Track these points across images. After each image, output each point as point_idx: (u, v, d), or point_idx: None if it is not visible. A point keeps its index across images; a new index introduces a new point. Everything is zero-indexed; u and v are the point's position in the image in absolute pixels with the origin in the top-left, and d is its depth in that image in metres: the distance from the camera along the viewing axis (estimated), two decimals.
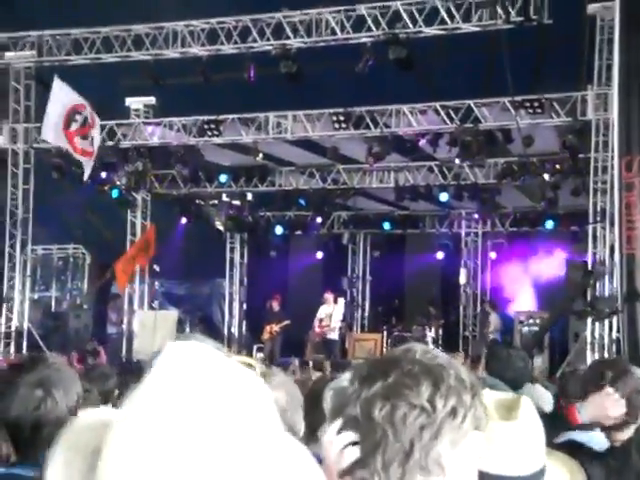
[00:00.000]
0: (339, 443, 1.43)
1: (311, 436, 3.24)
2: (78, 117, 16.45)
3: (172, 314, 20.68)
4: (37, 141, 18.54)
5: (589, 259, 15.46)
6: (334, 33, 16.20)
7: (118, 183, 20.03)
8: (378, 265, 24.84)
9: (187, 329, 20.11)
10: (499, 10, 14.77)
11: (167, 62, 17.47)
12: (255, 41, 16.63)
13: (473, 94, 16.46)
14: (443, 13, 15.34)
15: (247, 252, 24.85)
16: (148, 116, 19.43)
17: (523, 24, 14.59)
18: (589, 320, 14.81)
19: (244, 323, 24.33)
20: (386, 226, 23.49)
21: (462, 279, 23.37)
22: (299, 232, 23.67)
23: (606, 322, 14.46)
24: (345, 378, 2.72)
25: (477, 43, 15.94)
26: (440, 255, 24.21)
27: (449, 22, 15.33)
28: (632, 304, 12.95)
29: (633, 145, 13.02)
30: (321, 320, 19.65)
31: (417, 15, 15.54)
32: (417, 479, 1.39)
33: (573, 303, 15.54)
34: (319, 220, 22.77)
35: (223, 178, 20.57)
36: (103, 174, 19.42)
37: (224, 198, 22.25)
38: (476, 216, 22.46)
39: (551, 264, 21.36)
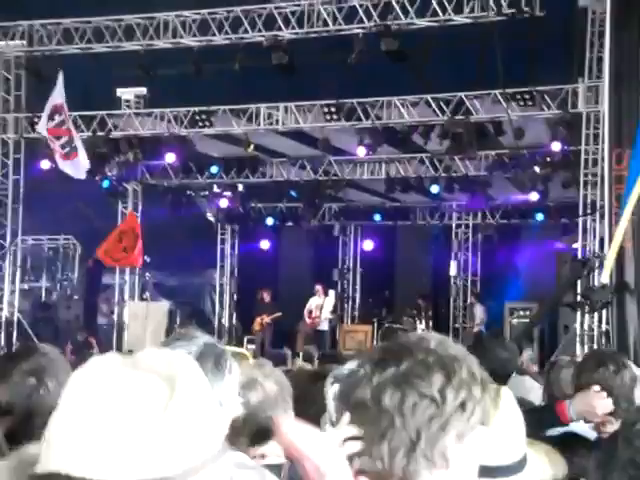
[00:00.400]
0: (343, 432, 1.42)
1: None
2: (57, 117, 16.35)
3: (163, 305, 20.68)
4: (27, 131, 18.48)
5: (579, 251, 15.50)
6: (326, 24, 16.18)
7: (109, 174, 19.99)
8: (369, 257, 24.86)
9: (178, 320, 20.12)
10: (491, 2, 14.78)
11: (158, 52, 17.42)
12: (247, 32, 16.60)
13: (464, 86, 16.46)
14: (435, 5, 15.33)
15: (238, 243, 24.84)
16: (139, 106, 19.38)
17: (515, 16, 14.60)
18: (579, 312, 14.86)
19: (235, 314, 24.33)
20: (377, 218, 23.52)
21: (452, 271, 23.41)
22: (290, 223, 23.67)
23: (595, 314, 14.51)
24: (347, 367, 2.74)
25: (469, 35, 15.94)
26: (431, 247, 24.25)
27: (441, 14, 15.32)
28: (621, 296, 12.98)
29: (624, 138, 13.03)
30: (311, 311, 19.68)
31: (409, 7, 15.53)
32: (421, 470, 1.39)
33: (563, 295, 15.59)
34: (310, 211, 22.76)
35: (214, 169, 20.54)
36: (94, 165, 19.36)
37: (215, 189, 22.23)
38: (467, 208, 22.48)
39: (541, 256, 21.41)
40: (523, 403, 2.47)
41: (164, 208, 22.36)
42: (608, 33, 13.29)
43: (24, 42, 18.08)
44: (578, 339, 14.83)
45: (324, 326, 19.81)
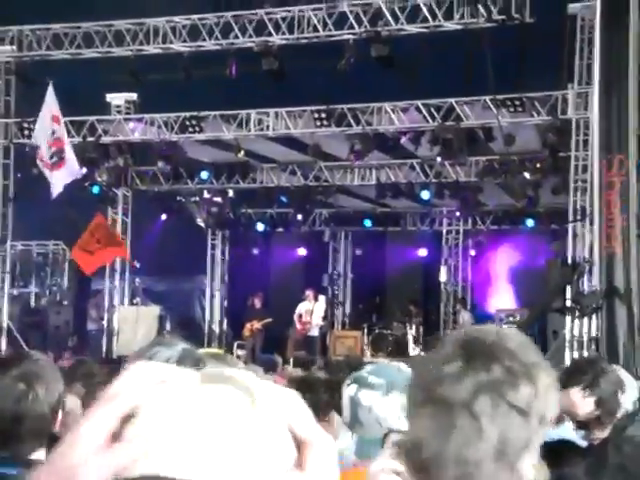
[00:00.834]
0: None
1: None
2: (56, 127, 16.31)
3: (153, 310, 20.62)
4: (17, 136, 18.43)
5: (569, 257, 15.54)
6: (316, 30, 16.20)
7: (99, 179, 19.95)
8: (359, 262, 24.86)
9: (168, 325, 20.08)
10: (481, 8, 14.82)
11: (148, 58, 17.41)
12: (237, 37, 16.61)
13: (455, 92, 16.50)
14: (425, 11, 15.37)
15: (228, 249, 24.81)
16: (129, 112, 19.35)
17: (505, 23, 14.65)
18: (568, 318, 14.89)
19: (225, 320, 24.28)
20: (367, 223, 23.52)
21: (443, 277, 23.43)
22: (280, 229, 23.66)
23: (585, 320, 14.54)
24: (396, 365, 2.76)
25: (459, 41, 15.99)
26: (421, 252, 24.28)
27: (431, 20, 15.36)
28: (611, 302, 13.03)
29: (613, 144, 13.09)
30: (300, 316, 19.66)
31: (399, 13, 15.56)
32: None
33: (553, 301, 15.61)
34: (300, 217, 22.76)
35: (204, 175, 20.52)
36: (84, 170, 19.32)
37: (205, 195, 22.21)
38: (457, 214, 22.51)
39: (531, 262, 21.45)
40: None
41: (154, 214, 22.33)
42: (597, 40, 13.37)
43: (14, 47, 18.05)
44: (567, 345, 14.85)
45: (314, 332, 19.79)
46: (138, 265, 20.69)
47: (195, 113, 17.72)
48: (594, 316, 13.91)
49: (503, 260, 23.11)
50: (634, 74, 12.79)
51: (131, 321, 19.13)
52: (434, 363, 1.38)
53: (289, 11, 16.37)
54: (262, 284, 23.12)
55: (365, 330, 20.83)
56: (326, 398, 4.24)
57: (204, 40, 16.86)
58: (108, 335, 20.47)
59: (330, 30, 16.10)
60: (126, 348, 17.63)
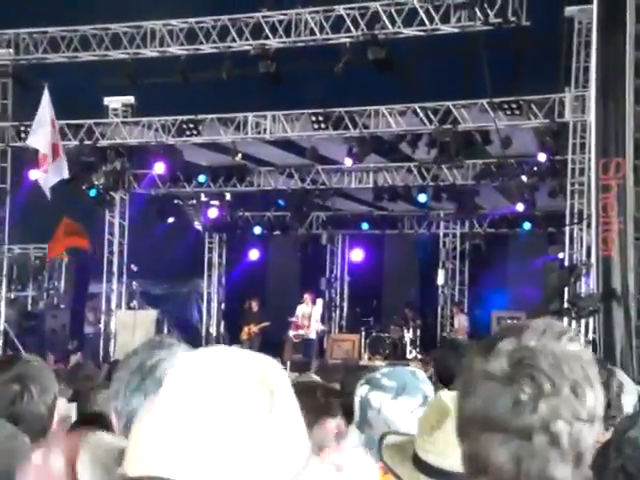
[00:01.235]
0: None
1: None
2: (52, 131, 16.28)
3: (151, 314, 20.60)
4: (14, 140, 18.41)
5: (566, 260, 15.55)
6: (313, 33, 16.20)
7: (96, 183, 19.93)
8: (356, 266, 24.86)
9: (165, 329, 20.06)
10: (477, 12, 14.83)
11: (145, 61, 17.41)
12: (234, 41, 16.60)
13: (452, 95, 16.51)
14: (422, 14, 15.37)
15: (225, 252, 24.81)
16: (126, 115, 19.34)
17: (501, 26, 14.65)
18: (565, 320, 14.89)
19: (222, 323, 24.27)
20: (364, 226, 23.52)
21: (440, 280, 23.43)
22: (278, 232, 23.66)
23: (582, 323, 14.55)
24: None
25: (456, 44, 16.00)
26: (418, 255, 24.28)
27: (428, 23, 15.36)
28: (608, 304, 13.03)
29: (610, 147, 13.09)
30: (297, 319, 19.66)
31: (396, 16, 15.56)
32: None
33: (550, 304, 15.61)
34: (297, 220, 22.75)
35: (202, 178, 20.53)
36: (81, 173, 19.30)
37: (203, 198, 22.20)
38: (454, 217, 22.52)
39: (528, 265, 21.45)
40: None
41: (152, 217, 22.32)
42: (594, 43, 13.37)
43: (10, 51, 18.03)
44: None
45: (312, 335, 19.79)
46: (135, 268, 20.68)
47: (192, 116, 17.72)
48: (591, 319, 13.92)
49: (500, 263, 23.10)
50: (631, 77, 12.80)
51: (129, 325, 19.11)
52: (493, 390, 1.36)
53: (286, 14, 16.37)
54: (259, 287, 23.13)
55: (362, 333, 20.85)
56: (323, 402, 4.23)
57: (201, 43, 16.86)
58: (105, 338, 20.45)
59: (327, 33, 16.10)
60: (124, 351, 17.57)
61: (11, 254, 20.54)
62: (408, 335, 20.75)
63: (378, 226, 23.47)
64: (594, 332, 13.83)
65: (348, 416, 3.06)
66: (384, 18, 15.61)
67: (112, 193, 20.61)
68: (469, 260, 23.68)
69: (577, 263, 14.84)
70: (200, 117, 17.76)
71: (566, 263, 15.48)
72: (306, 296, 20.06)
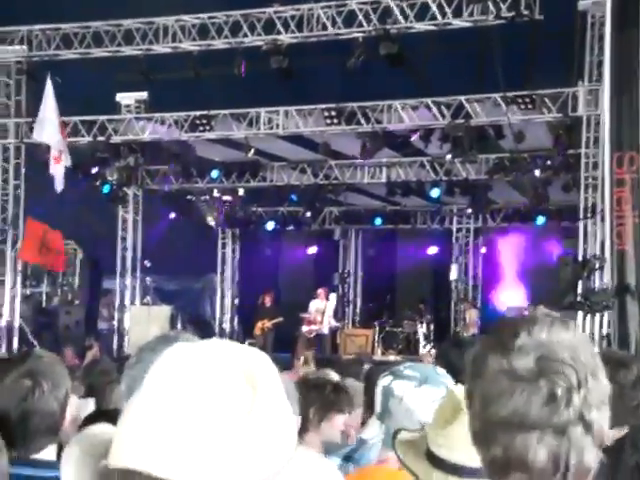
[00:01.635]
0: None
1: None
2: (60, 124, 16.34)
3: (165, 309, 20.66)
4: (28, 136, 18.47)
5: (580, 254, 15.50)
6: (325, 28, 16.18)
7: (109, 179, 19.99)
8: (369, 261, 24.86)
9: (179, 325, 20.11)
10: (490, 6, 14.78)
11: (158, 57, 17.43)
12: (246, 36, 16.61)
13: (464, 90, 16.46)
14: (434, 8, 15.33)
15: (239, 248, 24.84)
16: (139, 111, 19.38)
17: (514, 20, 14.60)
18: (580, 315, 14.86)
19: (236, 318, 24.32)
20: (377, 222, 23.50)
21: (453, 275, 23.40)
22: (291, 228, 23.67)
23: (597, 318, 14.51)
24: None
25: (468, 39, 15.95)
26: (432, 250, 24.26)
27: (440, 17, 15.32)
28: (622, 299, 12.99)
29: (624, 141, 13.04)
30: (310, 314, 19.68)
31: (408, 10, 15.53)
32: None
33: (564, 298, 15.57)
34: (310, 215, 22.76)
35: (215, 173, 20.54)
36: (94, 169, 19.37)
37: (215, 194, 22.23)
38: (468, 211, 22.47)
39: (542, 259, 21.40)
40: None
41: (164, 213, 22.37)
42: (608, 36, 13.30)
43: (24, 47, 18.08)
44: None
45: (325, 330, 19.80)
46: (149, 264, 20.73)
47: (205, 112, 17.73)
48: (606, 313, 13.88)
49: (513, 258, 23.06)
50: None
51: (143, 321, 19.17)
52: (524, 390, 1.36)
53: (298, 9, 16.35)
54: (272, 282, 23.16)
55: (376, 328, 20.84)
56: (332, 399, 4.24)
57: (213, 39, 16.87)
58: (119, 334, 20.53)
59: (339, 28, 16.08)
60: (137, 347, 17.66)
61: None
62: (421, 330, 20.73)
63: (391, 221, 23.45)
64: (608, 326, 13.80)
65: (372, 408, 3.09)
66: (396, 13, 15.58)
67: (125, 189, 20.67)
68: (482, 255, 23.64)
69: (590, 257, 14.79)
70: (213, 113, 17.76)
71: (580, 257, 15.43)
72: (320, 291, 20.06)
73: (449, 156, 17.67)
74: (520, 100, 15.50)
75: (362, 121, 16.93)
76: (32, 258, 18.44)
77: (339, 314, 22.94)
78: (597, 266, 14.36)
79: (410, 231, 23.82)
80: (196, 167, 20.45)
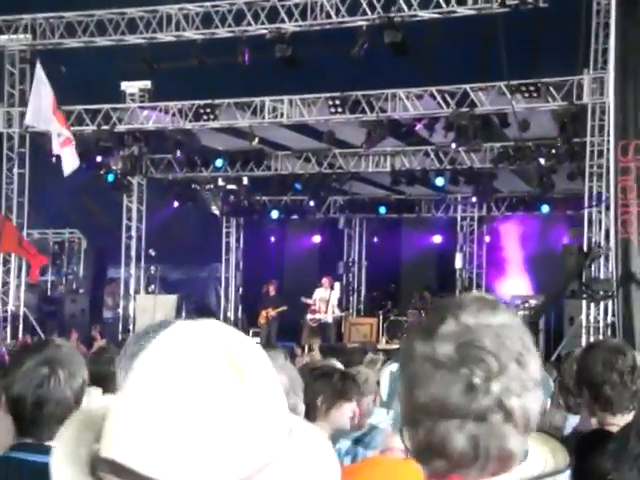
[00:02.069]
0: None
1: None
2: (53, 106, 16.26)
3: (171, 298, 20.71)
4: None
5: (584, 243, 15.48)
6: (329, 17, 16.14)
7: (114, 168, 20.00)
8: (374, 249, 24.85)
9: (184, 313, 20.15)
10: None
11: (161, 46, 17.41)
12: (250, 25, 16.57)
13: (469, 78, 16.42)
14: None
15: (243, 236, 24.84)
16: (143, 100, 19.37)
17: (518, 7, 14.54)
18: (584, 303, 14.84)
19: (240, 307, 24.35)
20: (382, 210, 23.47)
21: (458, 263, 23.38)
22: (295, 216, 23.66)
23: (601, 306, 14.49)
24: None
25: (473, 27, 15.89)
26: (436, 239, 24.24)
27: (444, 5, 15.27)
28: (627, 288, 12.96)
29: (629, 129, 12.99)
30: (314, 302, 19.69)
31: None
32: None
33: (568, 286, 15.57)
34: (315, 204, 22.74)
35: (219, 162, 20.54)
36: (99, 158, 19.37)
37: (220, 182, 22.23)
38: (472, 200, 22.44)
39: (547, 248, 21.38)
40: None
41: (169, 202, 22.38)
42: (613, 24, 13.24)
43: (28, 36, 18.07)
44: (584, 330, 14.79)
45: (329, 319, 19.82)
46: (153, 253, 20.76)
47: (209, 101, 17.72)
48: (610, 302, 13.86)
49: (518, 246, 23.03)
50: None
51: (149, 309, 19.22)
52: (444, 378, 1.36)
53: None
54: (277, 271, 23.18)
55: (380, 317, 20.86)
56: (340, 387, 4.25)
57: (217, 27, 16.84)
58: (124, 323, 20.57)
59: (343, 16, 16.03)
60: None
61: (30, 239, 20.64)
62: None
63: (395, 210, 23.41)
64: (613, 315, 13.79)
65: None
66: (400, 1, 15.53)
67: (130, 178, 20.68)
68: (487, 243, 23.62)
69: (594, 246, 14.77)
70: (217, 102, 17.75)
71: (584, 246, 15.41)
72: (324, 280, 20.08)
73: (454, 145, 17.63)
74: (525, 88, 15.45)
75: (366, 110, 16.90)
76: (15, 250, 18.41)
77: (344, 303, 22.95)
78: (601, 255, 14.35)
79: (415, 220, 23.80)
80: (200, 156, 20.45)
